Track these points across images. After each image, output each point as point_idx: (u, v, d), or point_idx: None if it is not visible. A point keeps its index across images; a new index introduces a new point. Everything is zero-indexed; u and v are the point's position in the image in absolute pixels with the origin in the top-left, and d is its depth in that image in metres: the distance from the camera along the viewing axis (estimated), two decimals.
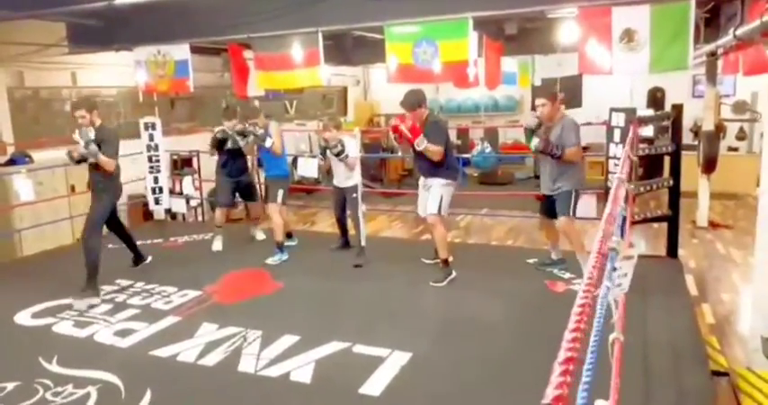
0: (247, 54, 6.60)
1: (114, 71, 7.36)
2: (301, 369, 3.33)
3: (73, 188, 6.44)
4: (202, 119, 8.70)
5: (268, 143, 5.31)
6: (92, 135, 4.45)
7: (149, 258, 5.41)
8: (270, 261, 5.36)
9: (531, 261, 5.21)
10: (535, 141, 4.40)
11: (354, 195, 5.31)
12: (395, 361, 3.39)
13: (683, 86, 9.62)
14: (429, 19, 5.16)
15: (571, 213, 4.50)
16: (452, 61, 5.27)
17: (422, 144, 4.48)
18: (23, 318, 4.26)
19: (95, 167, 4.59)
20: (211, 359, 3.50)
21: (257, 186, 6.34)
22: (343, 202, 5.48)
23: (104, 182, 4.64)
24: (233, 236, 6.20)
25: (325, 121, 5.58)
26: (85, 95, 6.86)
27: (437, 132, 4.62)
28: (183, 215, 7.65)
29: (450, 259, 4.79)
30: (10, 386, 3.22)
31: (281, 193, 5.44)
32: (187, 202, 7.42)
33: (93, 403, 3.03)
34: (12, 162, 6.25)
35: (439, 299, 4.52)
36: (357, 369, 3.30)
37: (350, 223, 5.61)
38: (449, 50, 5.23)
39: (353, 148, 5.25)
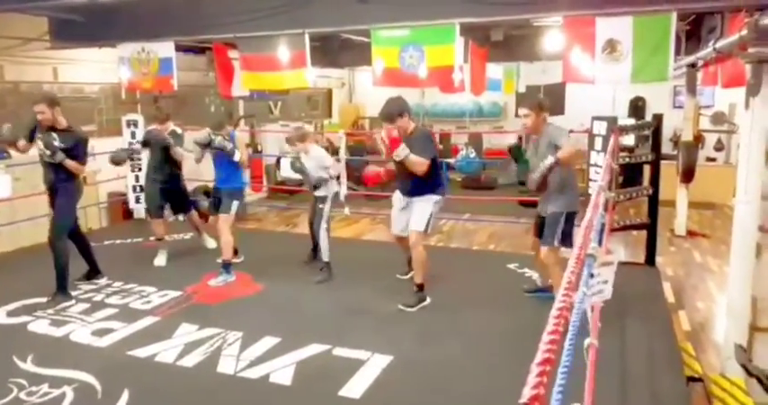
0: (232, 54, 6.56)
1: (97, 67, 7.27)
2: (282, 371, 3.32)
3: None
4: (185, 118, 8.61)
5: (237, 157, 4.90)
6: (56, 142, 4.19)
7: (104, 278, 4.98)
8: (212, 283, 4.83)
9: (511, 266, 5.25)
10: (534, 176, 3.82)
11: (321, 206, 4.97)
12: (375, 364, 3.40)
13: (664, 97, 9.80)
14: (416, 24, 5.19)
15: (556, 242, 3.92)
16: (438, 66, 5.31)
17: (402, 153, 4.06)
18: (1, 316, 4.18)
19: (57, 168, 4.32)
20: (191, 360, 3.47)
21: (187, 195, 5.83)
22: (314, 211, 5.16)
23: (67, 183, 4.41)
24: (213, 235, 6.14)
25: (288, 136, 5.22)
26: (45, 91, 6.58)
27: (425, 143, 4.21)
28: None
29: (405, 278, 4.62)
30: None
31: (235, 204, 4.99)
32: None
33: (69, 403, 2.98)
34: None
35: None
36: (337, 371, 3.30)
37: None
38: (435, 55, 5.26)
39: (324, 159, 4.96)
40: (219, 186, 5.10)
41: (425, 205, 4.27)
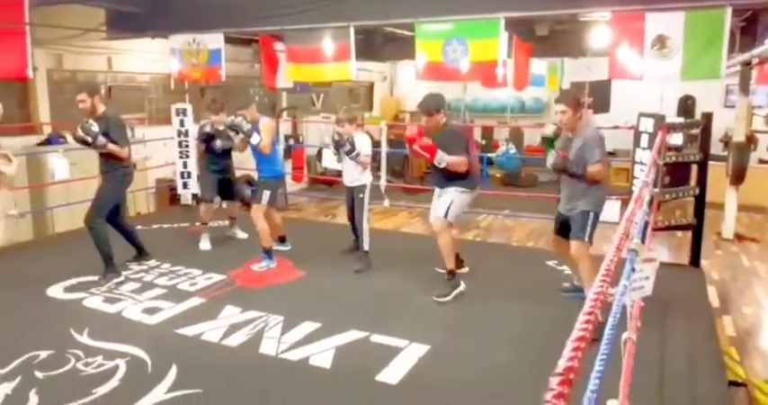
0: (278, 46, 6.70)
1: (148, 58, 7.54)
2: (321, 354, 3.42)
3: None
4: (231, 108, 8.83)
5: (254, 140, 4.81)
6: (95, 128, 4.32)
7: (152, 259, 5.16)
8: (256, 268, 4.95)
9: (550, 263, 5.22)
10: (550, 158, 3.88)
11: (361, 196, 4.97)
12: (412, 352, 3.46)
13: (715, 95, 9.48)
14: (461, 18, 5.20)
15: (586, 237, 3.87)
16: (481, 61, 5.30)
17: (442, 161, 4.13)
18: (55, 291, 4.43)
19: (104, 156, 4.51)
20: (234, 340, 3.61)
21: (236, 185, 6.04)
22: (352, 203, 5.14)
23: (112, 169, 4.56)
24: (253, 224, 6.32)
25: (339, 115, 5.14)
26: (86, 80, 6.90)
27: (457, 141, 4.25)
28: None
29: (464, 269, 4.56)
30: (44, 354, 3.37)
31: (266, 194, 4.96)
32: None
33: (122, 375, 3.15)
34: (47, 142, 6.45)
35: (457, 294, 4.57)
36: (375, 357, 3.38)
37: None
38: (478, 50, 5.26)
39: (366, 147, 4.96)
40: (259, 176, 5.19)
41: (449, 195, 4.32)
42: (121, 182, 4.68)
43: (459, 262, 4.70)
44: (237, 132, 4.90)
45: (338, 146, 4.87)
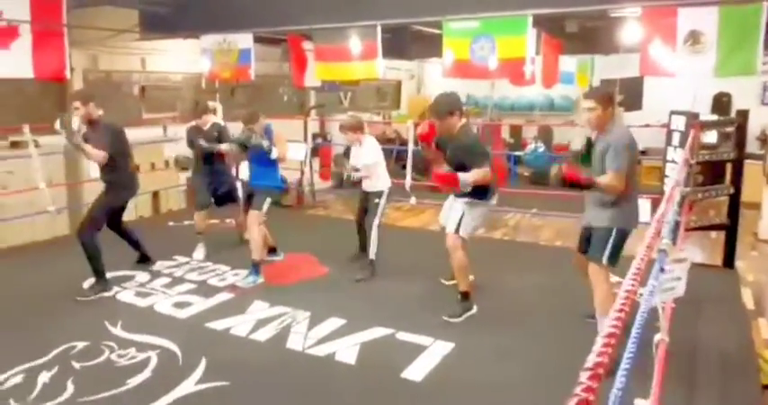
0: (306, 45, 6.77)
1: (180, 58, 7.69)
2: (347, 350, 3.46)
3: (137, 168, 6.77)
4: (260, 107, 8.94)
5: (274, 154, 4.62)
6: (75, 125, 4.23)
7: (156, 262, 5.10)
8: (240, 284, 4.60)
9: None
10: (552, 172, 3.38)
11: (377, 201, 4.76)
12: (437, 350, 3.47)
13: (752, 92, 9.20)
14: (489, 15, 5.17)
15: (605, 259, 3.32)
16: (509, 58, 5.26)
17: (467, 186, 3.69)
18: (89, 285, 4.55)
19: (103, 164, 4.36)
20: (262, 335, 3.68)
21: (234, 193, 5.64)
22: (366, 204, 4.95)
23: (111, 178, 4.44)
24: (281, 220, 6.38)
25: (342, 123, 4.84)
26: (83, 88, 6.53)
27: (478, 151, 3.82)
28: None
29: (473, 281, 4.15)
30: (80, 345, 3.50)
31: (268, 201, 4.71)
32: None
33: (154, 366, 3.25)
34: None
35: (483, 293, 4.55)
36: (400, 354, 3.41)
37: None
38: (506, 47, 5.22)
39: (374, 153, 4.74)
40: (252, 183, 4.92)
41: (461, 207, 3.95)
42: (122, 192, 4.57)
43: None
44: (246, 148, 4.71)
45: (348, 176, 4.85)
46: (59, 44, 5.50)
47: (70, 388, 3.03)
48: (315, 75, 6.61)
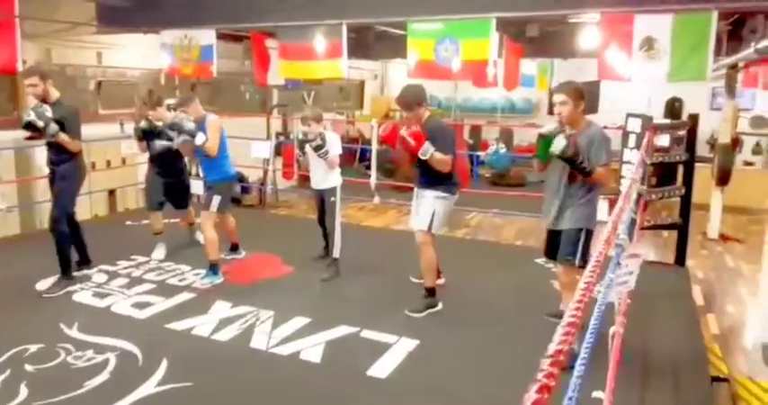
0: (269, 43, 6.71)
1: (138, 53, 7.50)
2: (311, 349, 3.45)
3: (93, 165, 6.57)
4: (222, 104, 8.82)
5: (199, 140, 4.38)
6: (49, 113, 3.91)
7: (94, 268, 4.80)
8: (198, 284, 4.49)
9: (539, 261, 5.28)
10: (561, 143, 3.10)
11: (333, 199, 4.67)
12: (402, 347, 3.50)
13: (702, 98, 9.62)
14: (453, 17, 5.24)
15: (577, 261, 3.29)
16: (473, 60, 5.35)
17: (427, 152, 3.72)
18: (44, 286, 4.40)
19: (57, 147, 4.10)
20: (225, 334, 3.63)
21: (188, 191, 5.46)
22: (322, 206, 4.84)
23: (67, 165, 4.20)
24: (244, 220, 6.29)
25: (304, 113, 4.70)
26: (37, 63, 6.17)
27: (443, 139, 3.84)
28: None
29: (440, 280, 4.27)
30: (33, 348, 3.37)
31: (216, 199, 4.54)
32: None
33: (113, 368, 3.16)
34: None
35: (446, 291, 4.61)
36: (365, 352, 3.42)
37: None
38: (470, 49, 5.31)
39: (336, 145, 4.63)
40: (206, 179, 4.77)
41: (430, 202, 3.98)
42: (77, 175, 4.32)
43: (438, 273, 4.35)
44: (180, 132, 4.41)
45: (303, 143, 4.57)
46: (10, 36, 5.29)
47: (23, 392, 2.91)
48: (278, 73, 6.57)
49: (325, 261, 4.90)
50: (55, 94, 4.12)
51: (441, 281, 4.46)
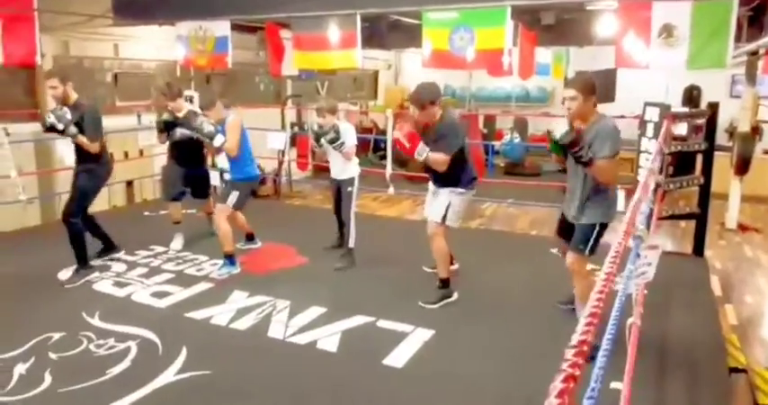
0: (284, 33, 6.71)
1: (154, 45, 7.55)
2: (328, 338, 3.48)
3: (111, 155, 6.64)
4: (236, 95, 8.86)
5: (218, 142, 4.46)
6: (68, 115, 4.05)
7: (122, 251, 5.01)
8: (215, 275, 4.56)
9: (554, 251, 5.26)
10: (562, 132, 3.11)
11: (350, 189, 4.72)
12: (418, 337, 3.52)
13: (721, 86, 9.46)
14: (468, 6, 5.20)
15: (587, 252, 3.38)
16: (488, 49, 5.31)
17: (422, 154, 3.75)
18: (66, 275, 4.49)
19: (79, 147, 4.26)
20: (242, 324, 3.68)
21: (208, 181, 5.57)
22: (339, 196, 4.90)
23: (90, 164, 4.33)
24: (259, 211, 6.36)
25: (319, 105, 4.75)
26: (60, 65, 6.37)
27: (449, 137, 3.84)
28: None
29: (454, 266, 4.28)
30: (56, 336, 3.45)
31: (234, 195, 4.60)
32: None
33: (134, 356, 3.23)
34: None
35: (461, 282, 4.61)
36: (381, 342, 3.44)
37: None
38: (485, 38, 5.26)
39: (351, 136, 4.65)
40: (230, 177, 4.87)
41: (445, 197, 4.00)
42: (99, 177, 4.47)
43: (450, 260, 4.38)
44: (200, 135, 4.57)
45: (319, 136, 4.58)
46: (29, 29, 5.35)
47: (48, 379, 2.99)
48: (293, 63, 6.56)
49: (339, 251, 4.95)
50: (74, 95, 4.22)
51: (454, 266, 4.47)
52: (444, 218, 3.98)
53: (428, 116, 3.86)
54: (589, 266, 3.58)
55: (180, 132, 4.90)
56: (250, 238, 5.36)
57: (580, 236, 3.40)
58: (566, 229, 3.59)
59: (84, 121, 4.15)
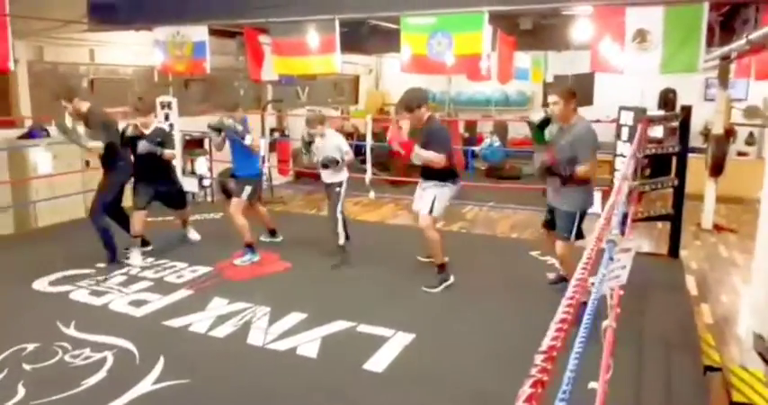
0: (263, 38, 6.68)
1: (131, 50, 7.46)
2: (308, 344, 3.47)
3: (87, 163, 6.55)
4: (215, 101, 8.80)
5: (248, 141, 4.95)
6: (80, 129, 4.55)
7: (151, 246, 5.29)
8: (238, 262, 4.95)
9: (534, 253, 5.31)
10: (537, 160, 3.88)
11: (338, 190, 4.99)
12: (398, 341, 3.52)
13: (696, 89, 9.64)
14: (446, 11, 5.23)
15: (571, 238, 3.93)
16: (466, 54, 5.34)
17: (418, 158, 4.26)
18: (41, 285, 4.42)
19: (111, 150, 4.66)
20: (222, 331, 3.65)
21: (182, 192, 5.68)
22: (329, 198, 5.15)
23: (109, 162, 4.78)
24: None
25: (308, 117, 5.17)
26: (63, 84, 6.13)
27: (438, 139, 4.31)
28: (194, 194, 7.79)
29: (446, 260, 4.52)
30: (30, 347, 3.39)
31: (247, 190, 5.02)
32: (200, 181, 7.54)
33: (110, 366, 3.18)
34: (29, 135, 6.37)
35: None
36: (362, 347, 3.44)
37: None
38: (463, 43, 5.29)
39: (344, 144, 5.00)
40: (236, 174, 5.22)
41: (432, 190, 4.40)
42: (120, 175, 4.87)
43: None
44: (220, 132, 4.95)
45: (309, 144, 5.01)
46: (2, 35, 5.26)
47: (21, 391, 2.93)
48: (272, 69, 6.53)
49: (333, 254, 5.09)
50: (84, 106, 4.63)
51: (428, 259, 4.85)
52: (431, 209, 4.37)
53: (417, 118, 4.30)
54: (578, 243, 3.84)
55: (142, 146, 4.84)
56: (272, 232, 5.68)
57: (563, 225, 3.96)
58: (551, 221, 4.17)
59: (92, 129, 4.60)
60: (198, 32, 6.31)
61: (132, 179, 5.14)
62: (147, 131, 4.98)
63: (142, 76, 7.84)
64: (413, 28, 5.49)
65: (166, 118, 7.16)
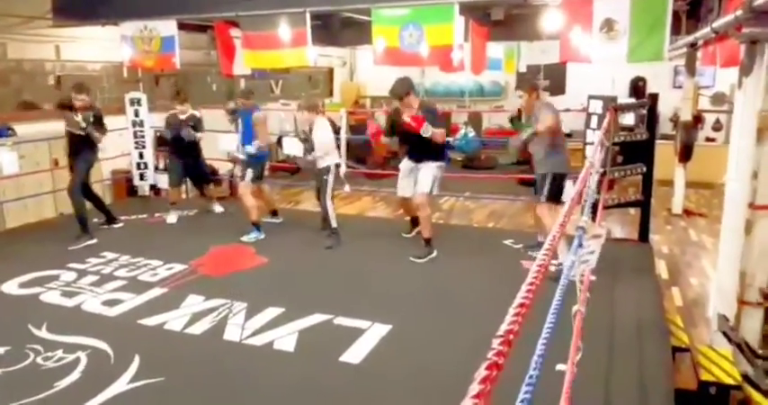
0: (234, 32, 6.60)
1: (98, 46, 7.30)
2: (285, 338, 3.47)
3: (56, 162, 6.42)
4: (188, 95, 8.66)
5: (253, 149, 5.48)
6: (90, 121, 5.25)
7: (121, 223, 6.02)
8: (245, 239, 5.42)
9: (508, 242, 5.38)
10: (510, 141, 4.80)
11: (325, 177, 5.20)
12: (375, 332, 3.54)
13: (665, 77, 9.80)
14: (416, 3, 5.23)
15: (545, 198, 4.55)
16: (438, 45, 5.36)
17: (428, 131, 4.61)
18: (10, 287, 4.34)
19: (84, 139, 5.27)
20: (198, 328, 3.62)
21: (206, 170, 6.57)
22: (319, 184, 5.38)
23: (87, 149, 5.38)
24: (216, 212, 6.33)
25: (299, 102, 5.52)
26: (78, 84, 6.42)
27: (436, 117, 4.85)
28: (167, 191, 7.68)
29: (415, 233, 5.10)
30: (1, 350, 3.32)
31: (250, 172, 5.51)
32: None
33: (84, 367, 3.14)
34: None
35: (418, 275, 4.67)
36: (338, 339, 3.45)
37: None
38: (434, 34, 5.31)
39: (325, 134, 5.22)
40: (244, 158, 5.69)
41: (430, 170, 4.82)
42: (91, 158, 5.52)
43: (413, 224, 5.45)
44: (235, 112, 5.75)
45: (304, 141, 5.28)
46: None
47: None
48: (243, 63, 6.47)
49: (322, 233, 5.41)
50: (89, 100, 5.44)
51: (417, 229, 5.29)
52: (431, 189, 4.84)
53: (407, 104, 4.72)
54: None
55: (186, 133, 5.88)
56: (274, 213, 6.15)
57: (539, 187, 4.61)
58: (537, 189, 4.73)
59: (99, 121, 5.40)
60: (166, 27, 6.21)
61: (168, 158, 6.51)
62: (183, 117, 5.95)
63: (111, 72, 7.68)
64: (384, 20, 5.49)
65: (136, 114, 7.04)
